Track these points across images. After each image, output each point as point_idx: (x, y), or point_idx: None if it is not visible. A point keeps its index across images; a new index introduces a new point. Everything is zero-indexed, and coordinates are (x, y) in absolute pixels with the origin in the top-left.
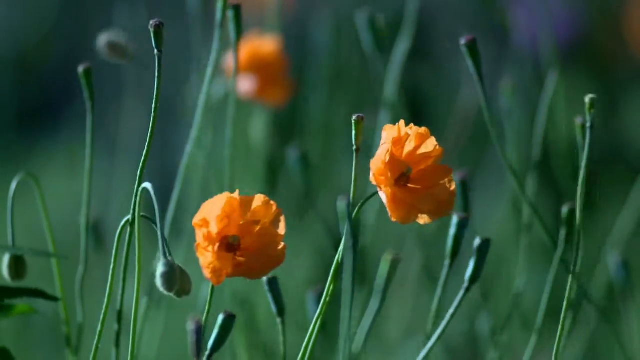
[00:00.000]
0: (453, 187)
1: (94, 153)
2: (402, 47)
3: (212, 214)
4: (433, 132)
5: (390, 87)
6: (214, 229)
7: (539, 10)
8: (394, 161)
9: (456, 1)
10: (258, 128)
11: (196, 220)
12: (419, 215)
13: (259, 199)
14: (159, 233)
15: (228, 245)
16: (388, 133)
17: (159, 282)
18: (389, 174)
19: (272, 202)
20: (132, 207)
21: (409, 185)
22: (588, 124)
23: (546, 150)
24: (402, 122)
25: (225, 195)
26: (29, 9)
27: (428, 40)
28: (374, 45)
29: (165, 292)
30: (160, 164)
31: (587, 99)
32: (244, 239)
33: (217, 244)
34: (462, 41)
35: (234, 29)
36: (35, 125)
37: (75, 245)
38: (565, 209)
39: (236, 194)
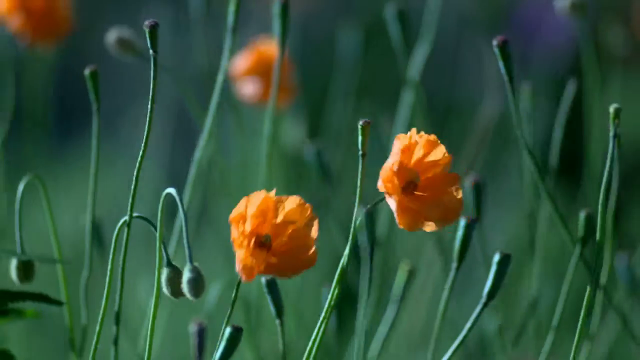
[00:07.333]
0: (460, 195)
1: (112, 157)
2: (422, 50)
3: (248, 210)
4: (454, 139)
5: (412, 77)
6: (248, 225)
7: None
8: (402, 169)
9: (470, 7)
10: (288, 132)
11: (233, 215)
12: (426, 222)
13: (294, 201)
14: (184, 239)
15: (260, 243)
16: (400, 141)
17: (185, 287)
18: (396, 182)
19: (307, 205)
20: (131, 210)
21: (416, 192)
22: (611, 134)
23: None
24: (413, 130)
25: (262, 193)
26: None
27: (445, 48)
28: (401, 40)
29: (192, 298)
30: (170, 168)
31: (612, 108)
32: (276, 239)
33: (252, 241)
34: (494, 42)
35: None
36: (56, 129)
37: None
38: (582, 215)
39: (272, 193)
